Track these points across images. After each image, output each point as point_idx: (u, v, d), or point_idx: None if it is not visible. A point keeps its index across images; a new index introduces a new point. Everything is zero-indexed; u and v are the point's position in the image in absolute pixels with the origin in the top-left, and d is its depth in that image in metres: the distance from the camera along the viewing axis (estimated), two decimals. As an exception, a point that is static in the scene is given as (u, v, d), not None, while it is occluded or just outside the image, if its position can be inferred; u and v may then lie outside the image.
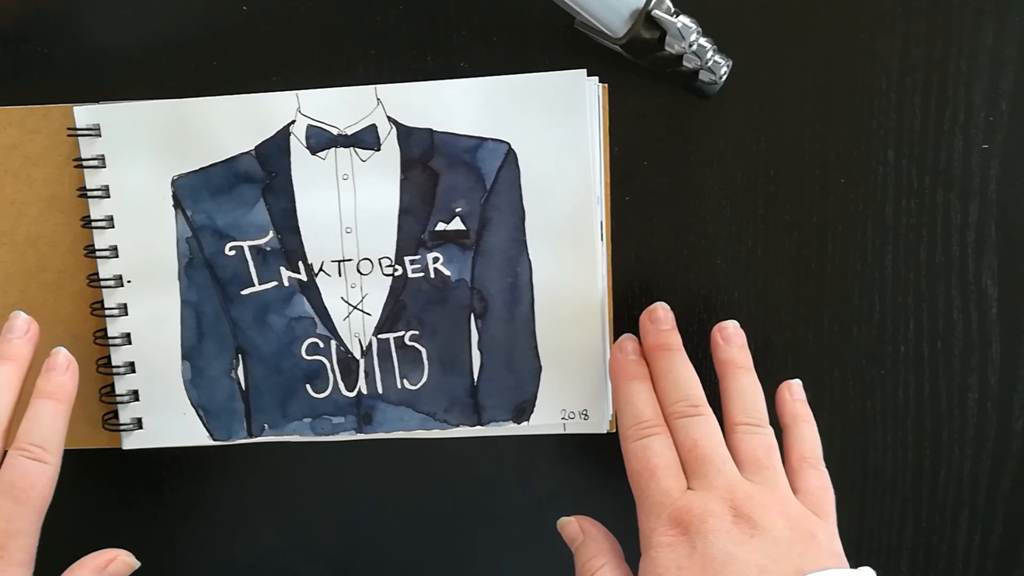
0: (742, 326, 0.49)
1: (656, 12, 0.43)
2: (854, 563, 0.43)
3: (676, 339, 0.48)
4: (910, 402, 0.51)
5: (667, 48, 0.44)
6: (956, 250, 0.49)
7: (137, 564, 0.47)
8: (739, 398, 0.46)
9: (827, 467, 0.50)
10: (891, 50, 0.48)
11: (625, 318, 0.50)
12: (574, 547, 0.48)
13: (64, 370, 0.46)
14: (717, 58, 0.45)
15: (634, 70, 0.46)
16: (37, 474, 0.44)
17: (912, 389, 0.51)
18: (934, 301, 0.50)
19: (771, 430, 0.46)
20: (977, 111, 0.48)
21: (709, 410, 0.46)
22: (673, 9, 0.43)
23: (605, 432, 0.51)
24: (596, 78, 0.48)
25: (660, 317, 0.48)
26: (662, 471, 0.44)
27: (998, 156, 0.48)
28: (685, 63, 0.45)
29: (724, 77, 0.46)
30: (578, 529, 0.48)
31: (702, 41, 0.44)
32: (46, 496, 0.44)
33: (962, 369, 0.50)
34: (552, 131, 0.48)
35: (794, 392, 0.49)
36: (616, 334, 0.50)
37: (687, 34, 0.44)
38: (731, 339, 0.48)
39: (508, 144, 0.48)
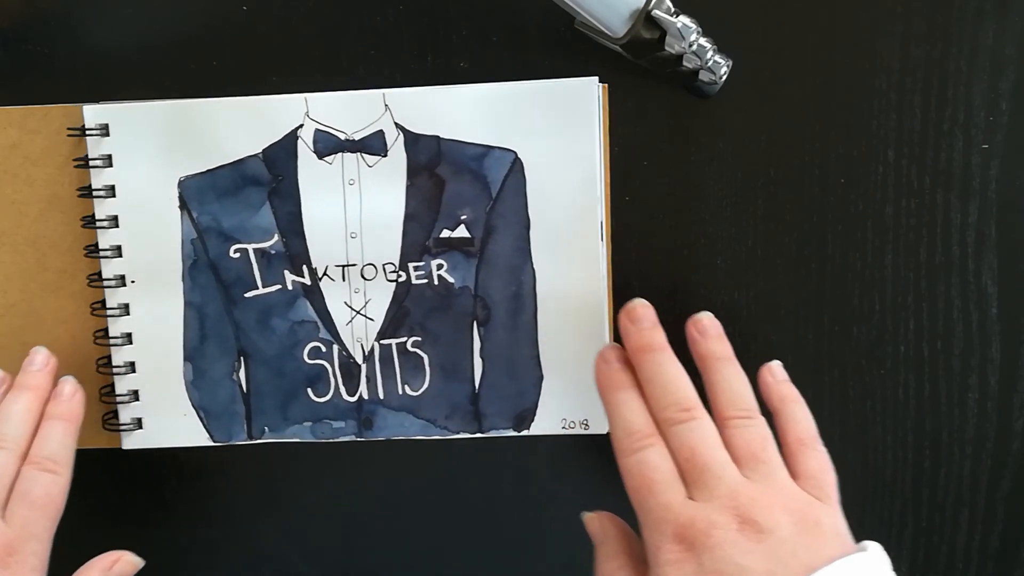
0: (742, 326, 0.49)
1: (656, 12, 0.43)
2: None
3: (660, 337, 0.47)
4: (910, 402, 0.51)
5: (667, 48, 0.44)
6: (956, 250, 0.49)
7: (141, 563, 0.49)
8: (726, 390, 0.45)
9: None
10: (891, 50, 0.48)
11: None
12: (595, 544, 0.47)
13: (71, 396, 0.49)
14: (717, 58, 0.45)
15: (634, 70, 0.46)
16: (50, 483, 0.46)
17: (912, 389, 0.51)
18: (934, 301, 0.50)
19: (763, 419, 0.45)
20: (977, 111, 0.48)
21: (702, 411, 0.44)
22: (673, 9, 0.43)
23: (605, 432, 0.51)
24: (596, 78, 0.48)
25: (640, 315, 0.47)
26: (660, 485, 0.43)
27: (998, 156, 0.48)
28: (685, 63, 0.45)
29: (724, 77, 0.46)
30: (599, 527, 0.47)
31: (702, 41, 0.44)
32: (59, 505, 0.47)
33: (962, 369, 0.50)
34: (560, 140, 0.48)
35: (776, 374, 0.48)
36: (616, 337, 0.50)
37: (687, 34, 0.44)
38: (707, 331, 0.47)
39: (515, 153, 0.48)
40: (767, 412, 0.46)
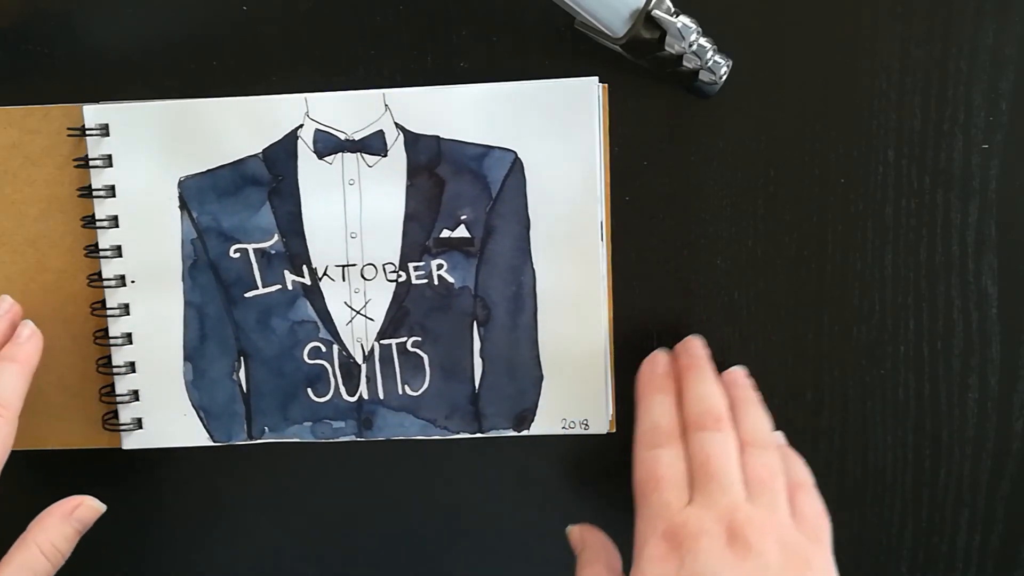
0: (742, 326, 0.49)
1: (656, 12, 0.43)
2: (852, 565, 0.42)
3: (710, 367, 0.48)
4: (910, 402, 0.51)
5: (667, 48, 0.44)
6: (956, 250, 0.49)
7: (103, 508, 0.48)
8: (750, 422, 0.46)
9: (827, 467, 0.50)
10: (891, 50, 0.48)
11: (625, 319, 0.50)
12: (576, 553, 0.48)
13: (27, 339, 0.49)
14: (717, 58, 0.45)
15: (634, 70, 0.46)
16: None
17: (912, 389, 0.51)
18: (934, 301, 0.50)
19: (778, 455, 0.45)
20: (977, 111, 0.48)
21: (731, 428, 0.45)
22: (673, 9, 0.43)
23: (605, 432, 0.51)
24: (596, 78, 0.48)
25: (696, 346, 0.49)
26: (666, 483, 0.43)
27: (998, 156, 0.48)
28: (685, 63, 0.45)
29: (724, 77, 0.46)
30: (580, 539, 0.48)
31: (702, 41, 0.44)
32: (3, 448, 0.46)
33: (962, 369, 0.50)
34: (560, 140, 0.48)
35: (778, 438, 0.48)
36: (616, 336, 0.50)
37: (687, 34, 0.44)
38: (737, 383, 0.48)
39: (515, 153, 0.48)
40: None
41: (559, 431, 0.51)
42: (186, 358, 0.51)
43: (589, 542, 0.48)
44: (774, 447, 0.45)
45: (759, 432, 0.46)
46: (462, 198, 0.49)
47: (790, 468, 0.46)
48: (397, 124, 0.49)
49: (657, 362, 0.48)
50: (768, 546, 0.41)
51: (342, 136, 0.49)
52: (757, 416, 0.46)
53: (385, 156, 0.49)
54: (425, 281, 0.50)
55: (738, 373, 0.49)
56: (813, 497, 0.45)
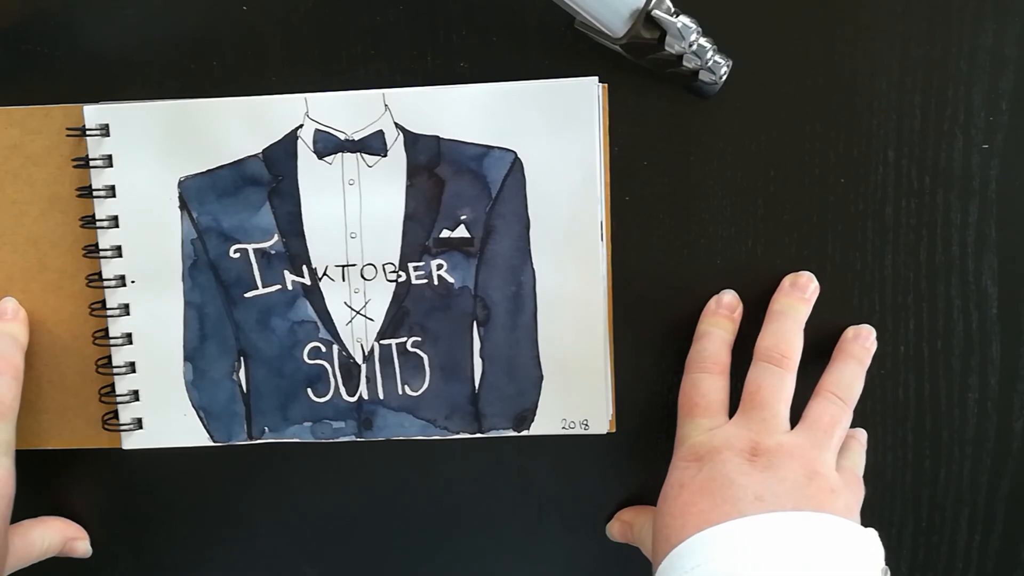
0: (742, 326, 0.49)
1: (656, 12, 0.43)
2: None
3: (806, 310, 0.48)
4: (910, 402, 0.51)
5: (667, 48, 0.44)
6: (956, 250, 0.49)
7: (87, 555, 0.52)
8: (839, 375, 0.47)
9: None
10: (891, 50, 0.48)
11: (625, 318, 0.50)
12: (633, 540, 0.50)
13: (15, 312, 0.50)
14: (717, 58, 0.45)
15: (634, 70, 0.46)
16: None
17: (912, 389, 0.51)
18: (934, 301, 0.50)
19: (851, 416, 0.46)
20: (977, 111, 0.48)
21: (794, 370, 0.46)
22: (673, 9, 0.43)
23: (605, 432, 0.51)
24: (596, 78, 0.48)
25: (803, 284, 0.49)
26: (700, 410, 0.46)
27: (998, 156, 0.48)
28: (685, 63, 0.45)
29: (724, 77, 0.46)
30: (623, 527, 0.51)
31: (702, 41, 0.44)
32: (8, 404, 0.47)
33: (962, 369, 0.50)
34: (560, 140, 0.48)
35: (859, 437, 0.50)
36: (616, 336, 0.50)
37: (687, 34, 0.44)
38: (862, 339, 0.49)
39: (514, 153, 0.48)
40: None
41: (559, 431, 0.51)
42: (186, 358, 0.51)
43: (638, 519, 0.50)
44: (849, 406, 0.46)
45: (842, 386, 0.47)
46: (462, 198, 0.49)
47: (852, 450, 0.48)
48: (397, 124, 0.49)
49: (722, 300, 0.49)
50: (792, 468, 0.42)
51: (342, 136, 0.49)
52: (851, 374, 0.47)
53: (385, 156, 0.49)
54: (425, 281, 0.50)
55: (865, 332, 0.49)
56: (862, 458, 0.47)
